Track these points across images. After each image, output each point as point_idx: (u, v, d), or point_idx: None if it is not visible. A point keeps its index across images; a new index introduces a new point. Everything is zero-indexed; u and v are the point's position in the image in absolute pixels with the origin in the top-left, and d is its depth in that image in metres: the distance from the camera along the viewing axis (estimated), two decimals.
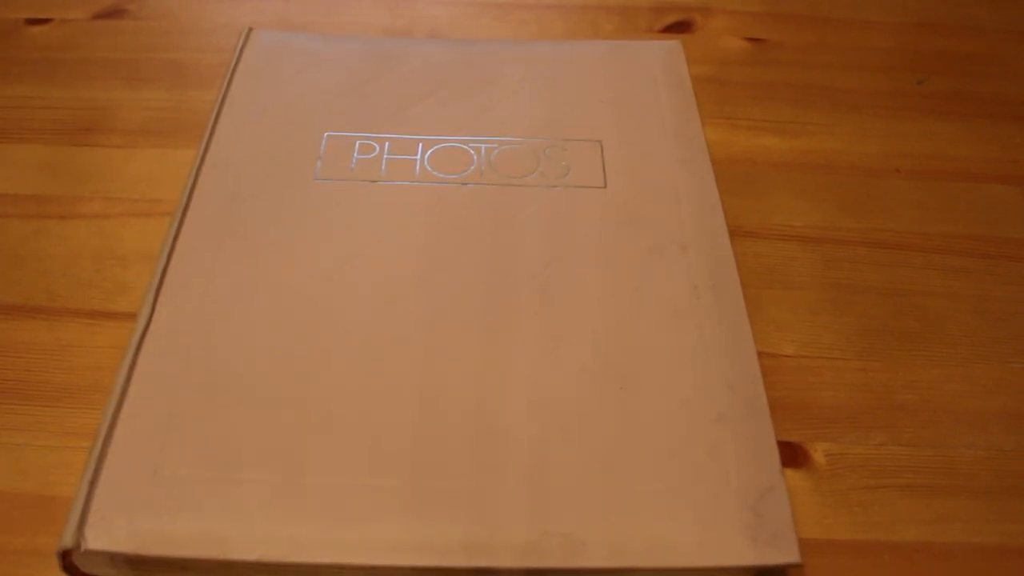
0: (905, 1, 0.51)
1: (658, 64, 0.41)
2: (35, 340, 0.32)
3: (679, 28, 0.48)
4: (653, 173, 0.36)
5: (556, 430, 0.28)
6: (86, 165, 0.39)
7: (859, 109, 0.43)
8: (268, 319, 0.30)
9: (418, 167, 0.36)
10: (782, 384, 0.32)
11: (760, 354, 0.30)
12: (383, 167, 0.36)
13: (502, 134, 0.37)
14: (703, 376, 0.29)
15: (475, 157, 0.36)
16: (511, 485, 0.26)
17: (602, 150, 0.37)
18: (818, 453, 0.30)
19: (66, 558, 0.25)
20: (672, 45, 0.42)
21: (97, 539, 0.24)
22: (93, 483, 0.26)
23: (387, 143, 0.37)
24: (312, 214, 0.34)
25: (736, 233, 0.35)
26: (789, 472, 0.29)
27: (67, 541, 0.24)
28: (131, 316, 0.33)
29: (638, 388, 0.29)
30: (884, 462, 0.30)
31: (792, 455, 0.30)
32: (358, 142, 0.37)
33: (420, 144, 0.37)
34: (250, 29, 0.42)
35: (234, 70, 0.40)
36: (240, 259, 0.32)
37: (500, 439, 0.27)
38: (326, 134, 0.37)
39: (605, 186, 0.35)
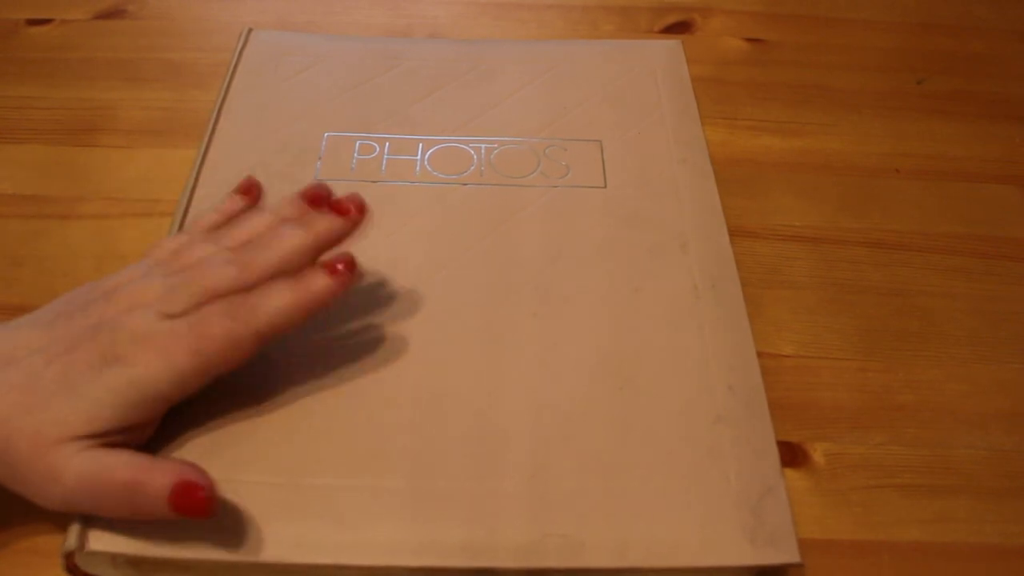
0: (905, 1, 0.51)
1: (658, 64, 0.41)
2: None
3: (679, 28, 0.48)
4: (653, 173, 0.36)
5: (556, 431, 0.28)
6: (86, 165, 0.39)
7: (859, 109, 0.43)
8: None
9: (418, 167, 0.36)
10: (782, 384, 0.32)
11: (760, 354, 0.30)
12: (383, 167, 0.36)
13: (502, 134, 0.37)
14: (703, 377, 0.29)
15: (475, 157, 0.36)
16: (511, 486, 0.26)
17: (602, 150, 0.37)
18: (818, 453, 0.30)
19: (69, 559, 0.25)
20: (672, 45, 0.42)
21: (100, 540, 0.24)
22: None
23: (387, 143, 0.37)
24: None
25: (736, 233, 0.35)
26: (789, 472, 0.29)
27: (71, 542, 0.24)
28: None
29: (638, 389, 0.29)
30: (884, 462, 0.30)
31: (792, 455, 0.30)
32: (358, 142, 0.37)
33: (420, 144, 0.37)
34: (250, 29, 0.42)
35: (234, 70, 0.40)
36: None
37: (500, 440, 0.27)
38: (326, 134, 0.37)
39: (605, 186, 0.35)
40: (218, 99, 0.38)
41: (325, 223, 0.27)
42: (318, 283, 0.26)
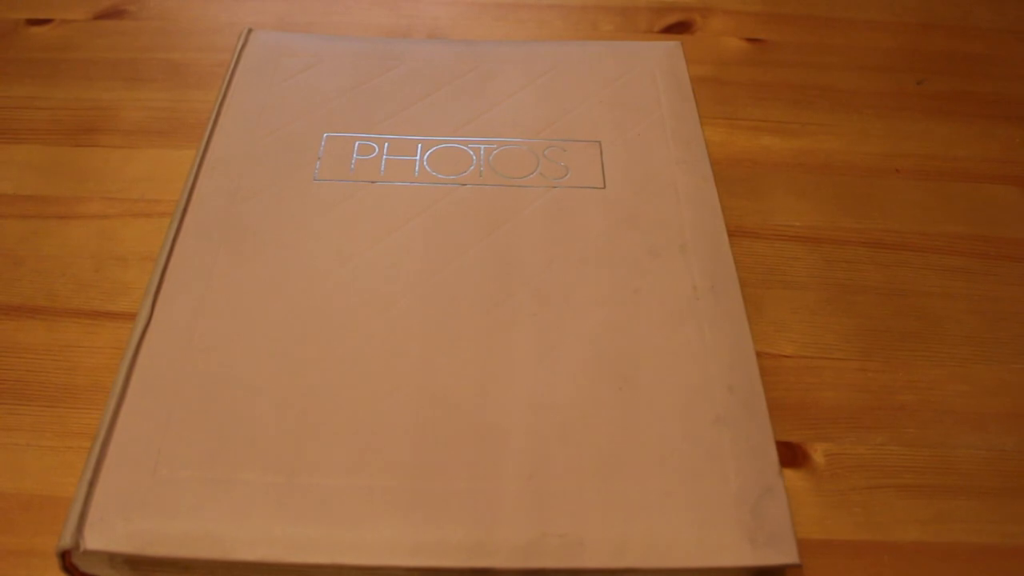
0: (905, 1, 0.51)
1: (658, 64, 0.41)
2: (35, 340, 0.32)
3: (679, 28, 0.48)
4: (652, 173, 0.36)
5: (555, 431, 0.28)
6: (86, 165, 0.39)
7: (859, 109, 0.43)
8: (267, 319, 0.30)
9: (417, 168, 0.36)
10: (782, 384, 0.32)
11: (760, 354, 0.30)
12: (382, 168, 0.36)
13: (501, 134, 0.37)
14: (702, 377, 0.29)
15: (474, 158, 0.36)
16: (510, 485, 0.26)
17: (601, 150, 0.37)
18: (818, 453, 0.30)
19: (66, 558, 0.25)
20: (672, 45, 0.42)
21: (96, 539, 0.24)
22: (92, 483, 0.26)
23: (386, 144, 0.37)
24: (311, 215, 0.34)
25: (736, 233, 0.35)
26: (789, 472, 0.29)
27: (66, 541, 0.24)
28: (131, 316, 0.33)
29: (637, 389, 0.29)
30: (884, 462, 0.30)
31: (792, 455, 0.30)
32: (357, 143, 0.37)
33: (419, 145, 0.37)
34: (250, 29, 0.42)
35: (234, 70, 0.40)
36: (239, 259, 0.32)
37: (499, 439, 0.27)
38: (325, 135, 0.37)
39: (604, 187, 0.35)
40: (218, 99, 0.38)
41: None
42: None
